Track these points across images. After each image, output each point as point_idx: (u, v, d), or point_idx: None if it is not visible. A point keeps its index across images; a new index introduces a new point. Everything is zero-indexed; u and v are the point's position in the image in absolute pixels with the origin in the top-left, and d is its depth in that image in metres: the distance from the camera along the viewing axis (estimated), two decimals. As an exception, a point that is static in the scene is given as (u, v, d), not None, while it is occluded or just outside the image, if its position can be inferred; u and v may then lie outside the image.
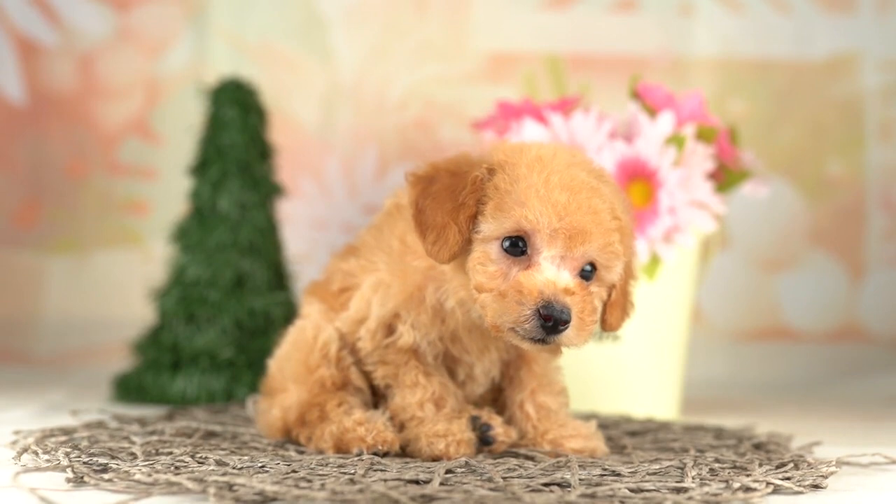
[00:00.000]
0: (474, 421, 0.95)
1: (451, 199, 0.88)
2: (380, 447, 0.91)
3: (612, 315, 0.90)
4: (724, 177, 1.31)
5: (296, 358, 0.98)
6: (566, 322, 0.82)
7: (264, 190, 1.43)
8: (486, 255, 0.85)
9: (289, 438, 0.99)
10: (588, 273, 0.86)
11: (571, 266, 0.84)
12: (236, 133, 1.41)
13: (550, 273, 0.83)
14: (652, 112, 1.29)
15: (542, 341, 0.83)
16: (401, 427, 0.94)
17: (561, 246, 0.84)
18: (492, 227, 0.85)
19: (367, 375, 0.97)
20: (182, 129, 1.51)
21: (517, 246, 0.85)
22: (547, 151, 0.88)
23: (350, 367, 0.97)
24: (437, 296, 0.91)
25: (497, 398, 0.99)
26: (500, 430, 0.95)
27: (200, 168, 1.42)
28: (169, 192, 1.69)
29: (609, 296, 0.89)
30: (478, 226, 0.86)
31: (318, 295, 1.01)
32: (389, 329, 0.94)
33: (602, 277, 0.87)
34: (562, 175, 0.85)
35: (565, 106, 1.31)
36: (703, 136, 1.28)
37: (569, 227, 0.83)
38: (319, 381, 0.96)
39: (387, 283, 0.93)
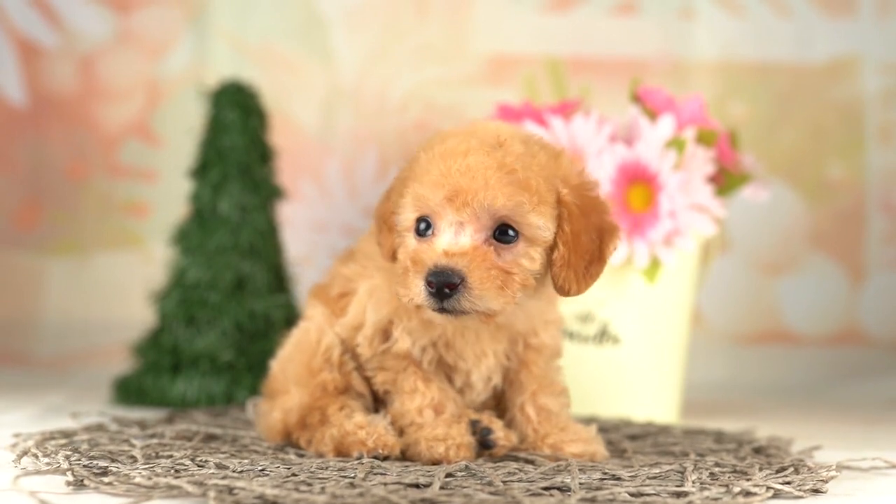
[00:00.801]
0: (475, 425, 0.95)
1: (384, 198, 0.90)
2: (380, 451, 0.91)
3: (561, 276, 0.83)
4: (725, 180, 1.31)
5: (298, 360, 0.98)
6: (453, 284, 0.78)
7: (265, 192, 1.43)
8: (406, 246, 0.85)
9: (289, 441, 0.99)
10: (510, 237, 0.82)
11: (476, 230, 0.81)
12: (237, 135, 1.41)
13: (444, 241, 0.81)
14: (652, 115, 1.29)
15: (447, 311, 0.80)
16: (400, 432, 0.94)
17: (452, 211, 0.81)
18: (402, 218, 0.85)
19: (368, 381, 0.97)
20: (182, 131, 1.51)
21: (424, 228, 0.84)
22: (458, 130, 0.86)
23: (352, 372, 0.97)
24: None
25: (499, 403, 0.99)
26: (500, 433, 0.95)
27: (201, 170, 1.42)
28: (169, 195, 1.69)
29: (550, 255, 0.84)
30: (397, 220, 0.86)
31: (320, 298, 1.01)
32: (385, 335, 0.94)
33: (529, 237, 0.82)
34: (448, 146, 0.82)
35: (566, 109, 1.31)
36: (704, 139, 1.28)
37: (451, 191, 0.80)
38: (321, 384, 0.96)
39: (381, 289, 0.93)
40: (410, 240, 0.85)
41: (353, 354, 0.97)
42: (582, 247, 0.83)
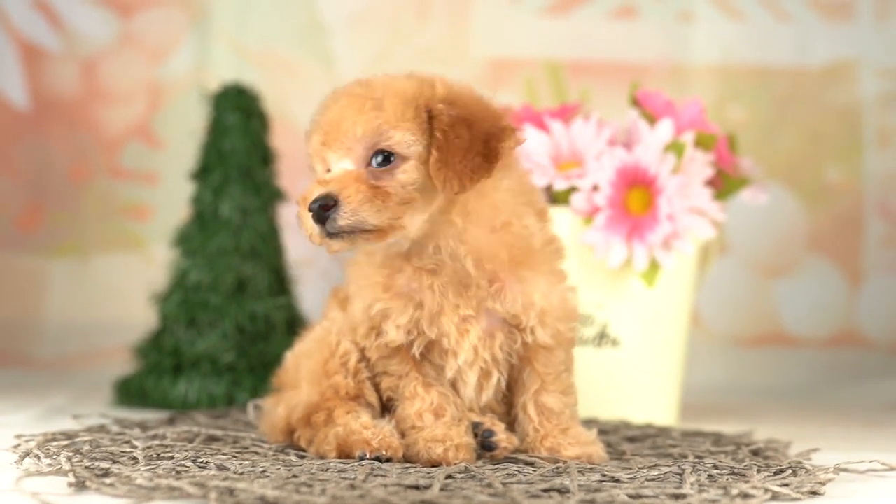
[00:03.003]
0: (476, 427, 0.95)
1: None
2: (384, 452, 0.91)
3: (440, 176, 0.87)
4: (723, 184, 1.32)
5: (317, 358, 0.98)
6: (327, 205, 0.86)
7: (266, 195, 1.43)
8: (300, 215, 0.90)
9: (290, 440, 0.99)
10: (388, 161, 0.88)
11: (353, 161, 0.88)
12: (238, 138, 1.41)
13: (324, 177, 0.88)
14: (651, 119, 1.30)
15: (333, 235, 0.87)
16: (402, 436, 0.94)
17: (329, 152, 0.89)
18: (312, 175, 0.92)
19: (378, 390, 0.97)
20: (184, 133, 1.51)
21: (321, 174, 0.90)
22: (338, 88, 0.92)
23: (365, 381, 0.97)
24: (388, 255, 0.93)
25: (508, 411, 0.99)
26: (502, 436, 0.95)
27: (202, 173, 1.43)
28: (171, 197, 1.70)
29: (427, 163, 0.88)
30: None
31: (337, 300, 1.02)
32: (377, 328, 0.94)
33: (401, 154, 0.88)
34: (323, 104, 0.91)
35: (565, 113, 1.32)
36: (703, 143, 1.29)
37: (323, 135, 0.89)
38: (334, 386, 0.96)
39: (364, 276, 0.95)
40: (301, 208, 0.90)
41: (367, 363, 0.97)
42: (454, 147, 0.87)
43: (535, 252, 0.93)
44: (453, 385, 0.96)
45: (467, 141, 0.88)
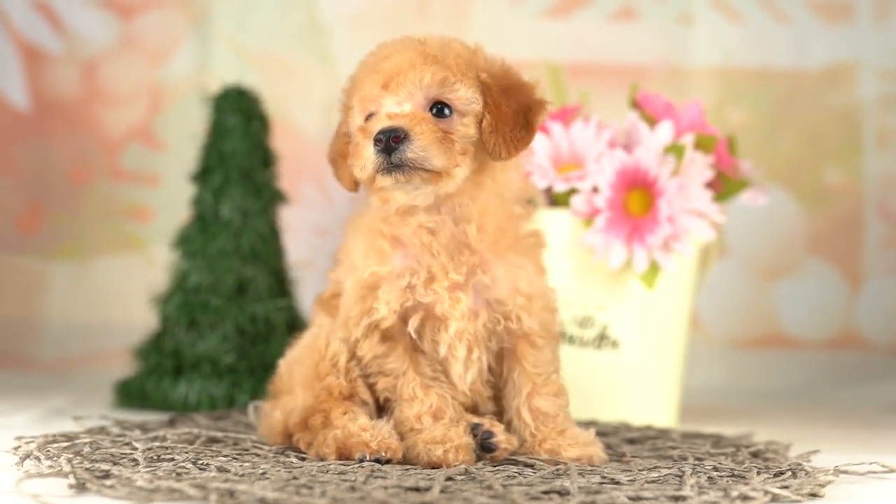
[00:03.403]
0: (475, 428, 0.95)
1: (334, 137, 1.00)
2: (383, 454, 0.91)
3: (491, 140, 0.91)
4: (723, 186, 1.32)
5: (308, 363, 0.99)
6: (398, 137, 0.87)
7: (266, 197, 1.43)
8: (357, 146, 0.92)
9: (289, 444, 1.00)
10: (445, 113, 0.91)
11: (413, 107, 0.90)
12: (238, 140, 1.42)
13: (386, 114, 0.90)
14: (651, 121, 1.30)
15: (396, 167, 0.88)
16: (400, 438, 0.94)
17: (389, 95, 0.90)
18: (352, 126, 0.94)
19: (372, 389, 0.98)
20: (185, 135, 1.52)
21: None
22: (385, 42, 0.95)
23: (357, 380, 0.97)
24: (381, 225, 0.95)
25: (499, 413, 0.99)
26: (501, 437, 0.95)
27: (203, 175, 1.43)
28: (171, 199, 1.70)
29: (481, 124, 0.92)
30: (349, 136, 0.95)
31: (322, 306, 1.03)
32: (369, 307, 0.94)
33: (460, 110, 0.91)
34: (377, 52, 0.94)
35: (565, 115, 1.32)
36: (702, 145, 1.29)
37: (385, 78, 0.91)
38: (327, 388, 0.96)
39: (353, 262, 0.96)
40: (360, 139, 0.92)
41: (358, 361, 0.97)
42: (505, 116, 0.92)
43: (523, 239, 0.96)
44: (444, 367, 0.95)
45: (514, 111, 0.92)
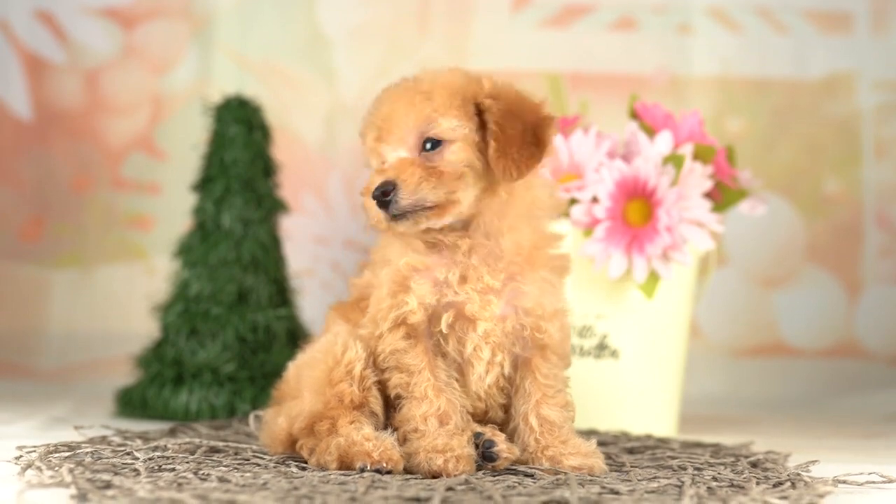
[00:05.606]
0: (477, 437, 0.95)
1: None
2: (384, 465, 0.91)
3: (500, 165, 0.93)
4: (722, 195, 1.33)
5: (321, 367, 0.99)
6: (387, 190, 0.92)
7: (267, 206, 1.44)
8: (365, 204, 0.95)
9: (291, 451, 0.99)
10: (436, 145, 0.93)
11: (406, 150, 0.94)
12: (240, 150, 1.42)
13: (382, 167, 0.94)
14: (651, 131, 1.31)
15: (397, 217, 0.92)
16: (403, 439, 0.95)
17: (385, 146, 0.95)
18: (369, 177, 0.97)
19: (385, 399, 0.98)
20: (186, 145, 1.52)
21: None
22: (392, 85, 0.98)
23: (371, 388, 0.97)
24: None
25: (506, 420, 1.00)
26: (503, 446, 0.95)
27: (204, 184, 1.44)
28: (173, 208, 1.70)
29: (485, 149, 0.94)
30: None
31: (340, 313, 1.03)
32: (400, 297, 0.96)
33: (448, 139, 0.94)
34: (376, 100, 0.97)
35: (565, 125, 1.33)
36: (701, 155, 1.30)
37: (377, 130, 0.95)
38: (339, 394, 0.97)
39: (394, 250, 0.98)
40: (365, 198, 0.95)
41: (374, 365, 0.98)
42: (510, 138, 0.94)
43: (554, 259, 0.98)
44: (464, 369, 0.96)
45: (520, 131, 0.94)
